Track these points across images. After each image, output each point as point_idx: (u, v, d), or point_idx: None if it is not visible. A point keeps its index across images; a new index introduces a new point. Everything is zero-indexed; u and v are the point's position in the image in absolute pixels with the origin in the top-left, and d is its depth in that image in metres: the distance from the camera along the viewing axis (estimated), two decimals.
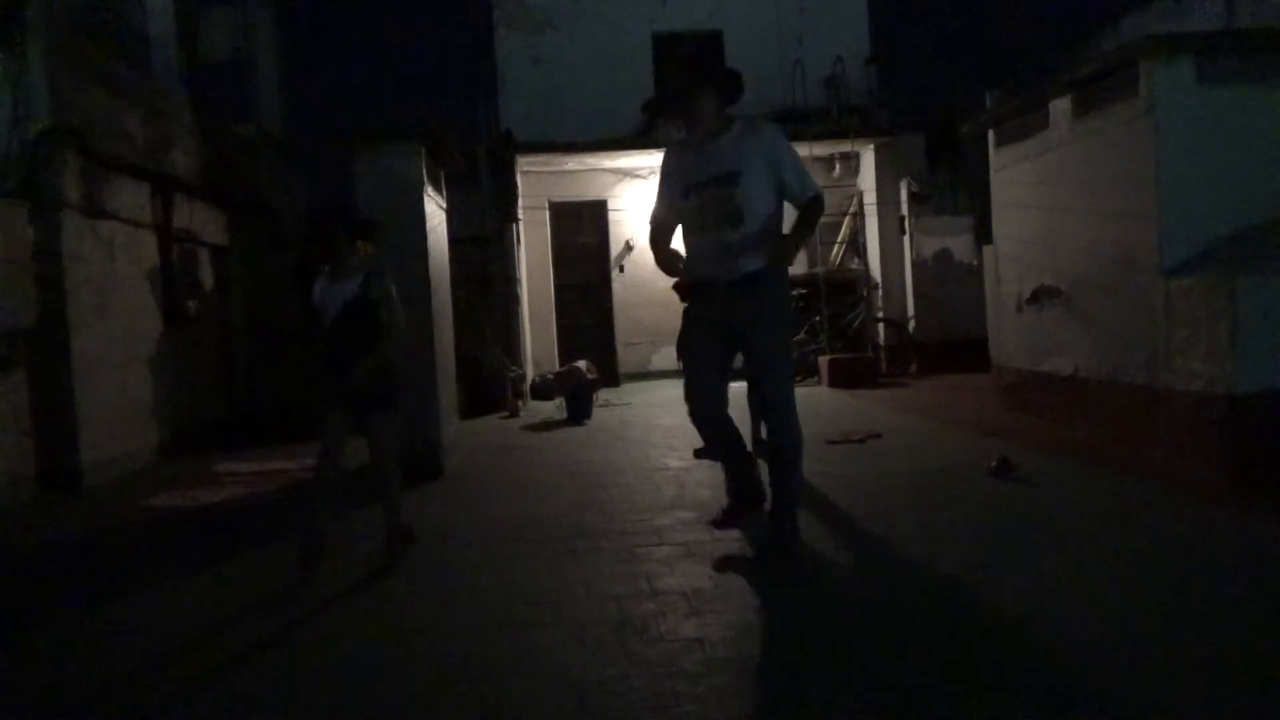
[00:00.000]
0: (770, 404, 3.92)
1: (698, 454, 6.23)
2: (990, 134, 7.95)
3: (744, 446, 4.20)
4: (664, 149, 4.14)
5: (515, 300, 11.29)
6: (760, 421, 5.51)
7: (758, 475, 4.19)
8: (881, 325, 11.98)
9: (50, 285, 6.59)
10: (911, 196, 11.79)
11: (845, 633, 3.11)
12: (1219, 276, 5.03)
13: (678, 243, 3.98)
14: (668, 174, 4.02)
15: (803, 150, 11.73)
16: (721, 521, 4.36)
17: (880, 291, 12.19)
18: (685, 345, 4.15)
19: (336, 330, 4.22)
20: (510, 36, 12.89)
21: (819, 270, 12.00)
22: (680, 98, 3.91)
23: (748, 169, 3.74)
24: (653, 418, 8.66)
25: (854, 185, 12.54)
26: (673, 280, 4.01)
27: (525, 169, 11.96)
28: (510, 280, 11.25)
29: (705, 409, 3.97)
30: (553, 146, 11.58)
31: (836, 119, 12.13)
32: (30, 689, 3.06)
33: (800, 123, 11.36)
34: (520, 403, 9.93)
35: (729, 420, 4.04)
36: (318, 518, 4.17)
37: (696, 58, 4.04)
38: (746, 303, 3.79)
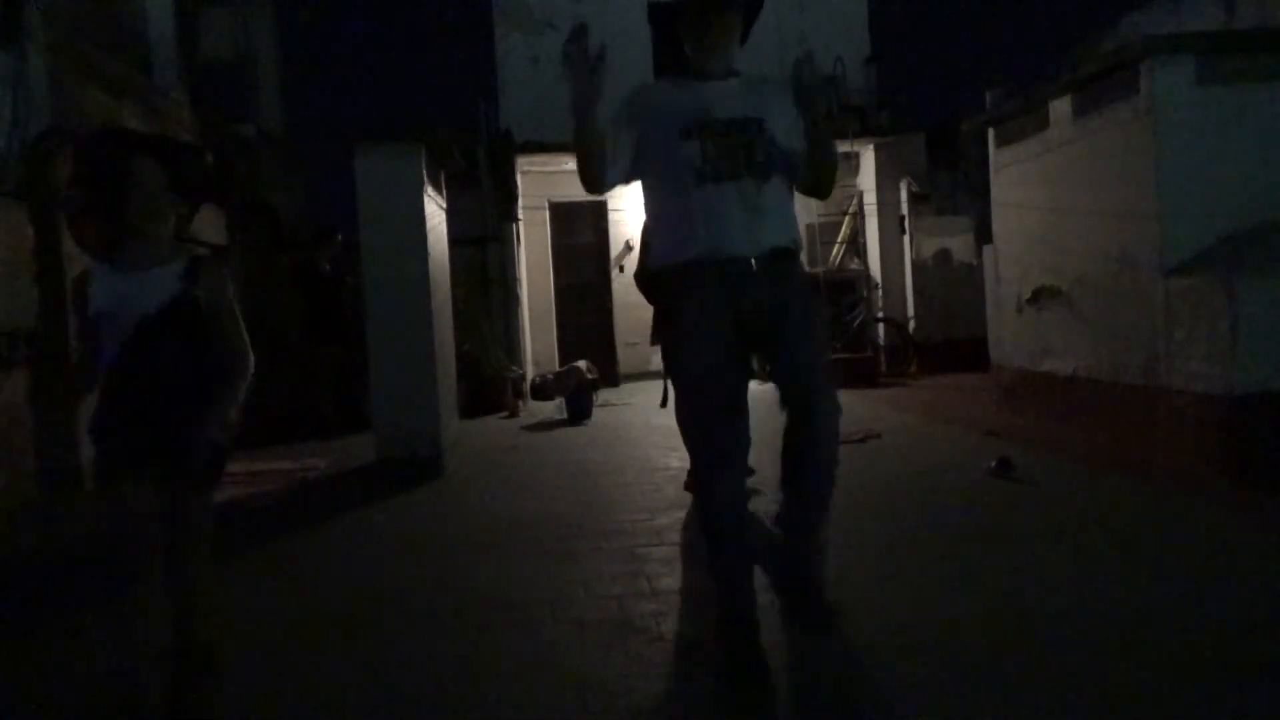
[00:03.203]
0: (821, 409, 2.74)
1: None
2: (990, 134, 7.95)
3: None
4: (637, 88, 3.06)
5: (515, 300, 11.29)
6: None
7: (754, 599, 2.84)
8: (881, 325, 11.98)
9: (50, 285, 6.59)
10: (911, 196, 11.79)
11: (843, 633, 3.11)
12: (1219, 276, 5.02)
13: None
14: (655, 108, 2.92)
15: None
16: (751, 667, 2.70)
17: (880, 291, 12.18)
18: (691, 363, 2.84)
19: (140, 352, 2.56)
20: (510, 36, 12.89)
21: (819, 270, 11.99)
22: (711, 10, 2.88)
23: (772, 117, 2.86)
24: (653, 418, 8.64)
25: (854, 185, 12.53)
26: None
27: (525, 169, 11.96)
28: (510, 280, 11.24)
29: (735, 475, 2.80)
30: (552, 146, 11.56)
31: (836, 119, 12.12)
32: (30, 689, 3.06)
33: None
34: (520, 403, 9.92)
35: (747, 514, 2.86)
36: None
37: None
38: (775, 284, 2.79)
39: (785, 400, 2.82)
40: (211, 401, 2.60)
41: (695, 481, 3.00)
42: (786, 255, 2.86)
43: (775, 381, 2.84)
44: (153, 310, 2.54)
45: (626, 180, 2.96)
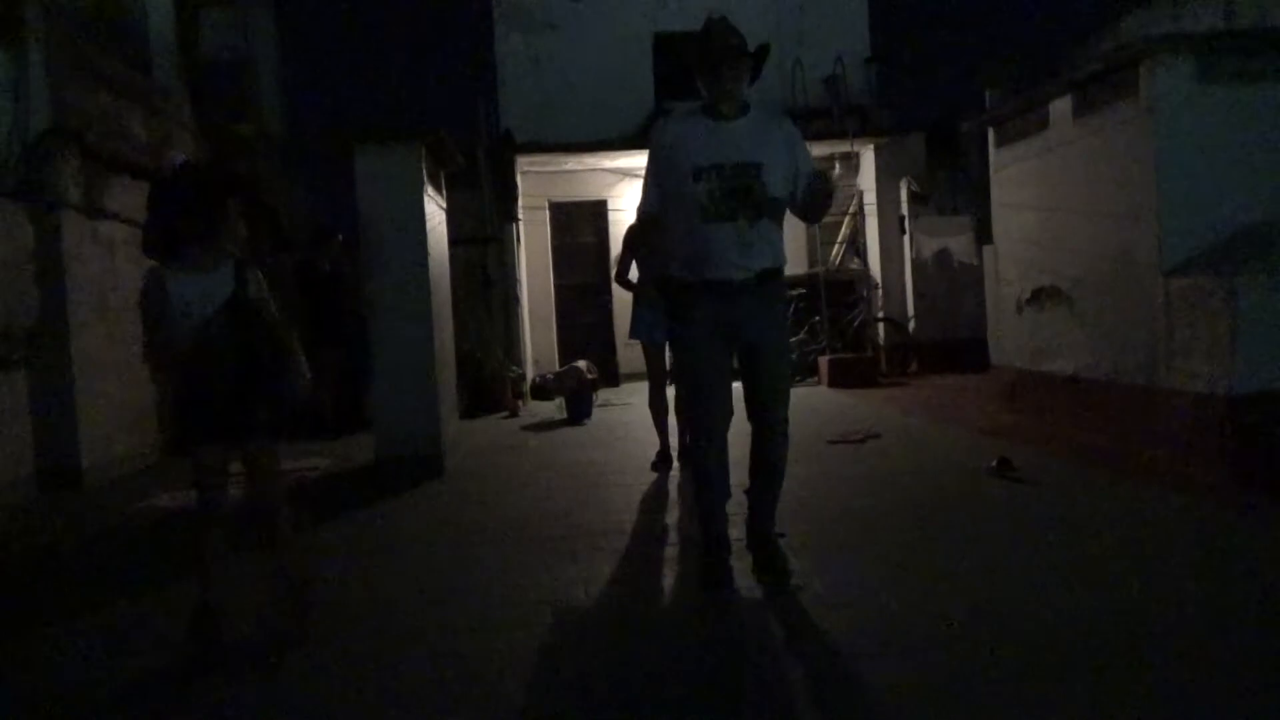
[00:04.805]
0: (776, 424, 3.59)
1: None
2: (990, 134, 7.96)
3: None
4: (662, 119, 3.67)
5: (515, 300, 11.29)
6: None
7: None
8: (881, 325, 11.98)
9: (50, 285, 6.59)
10: (911, 196, 11.79)
11: (840, 632, 3.11)
12: (1219, 276, 5.03)
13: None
14: (671, 149, 3.54)
15: None
16: (716, 579, 3.65)
17: (880, 291, 12.19)
18: (690, 357, 3.63)
19: (214, 342, 3.18)
20: (510, 36, 12.89)
21: (819, 270, 12.00)
22: (727, 60, 3.45)
23: (771, 160, 3.46)
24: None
25: (854, 185, 12.54)
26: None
27: (525, 169, 11.96)
28: (510, 280, 11.25)
29: (720, 440, 3.63)
30: (552, 146, 11.58)
31: (836, 119, 12.13)
32: (29, 690, 3.06)
33: (800, 123, 11.35)
34: (520, 403, 9.93)
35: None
36: (209, 587, 3.37)
37: (731, 29, 3.51)
38: (757, 304, 3.52)
39: (751, 421, 3.64)
40: (262, 381, 3.28)
41: (691, 444, 3.79)
42: (771, 274, 3.56)
43: (746, 402, 3.62)
44: (217, 307, 3.17)
45: (662, 206, 3.62)
